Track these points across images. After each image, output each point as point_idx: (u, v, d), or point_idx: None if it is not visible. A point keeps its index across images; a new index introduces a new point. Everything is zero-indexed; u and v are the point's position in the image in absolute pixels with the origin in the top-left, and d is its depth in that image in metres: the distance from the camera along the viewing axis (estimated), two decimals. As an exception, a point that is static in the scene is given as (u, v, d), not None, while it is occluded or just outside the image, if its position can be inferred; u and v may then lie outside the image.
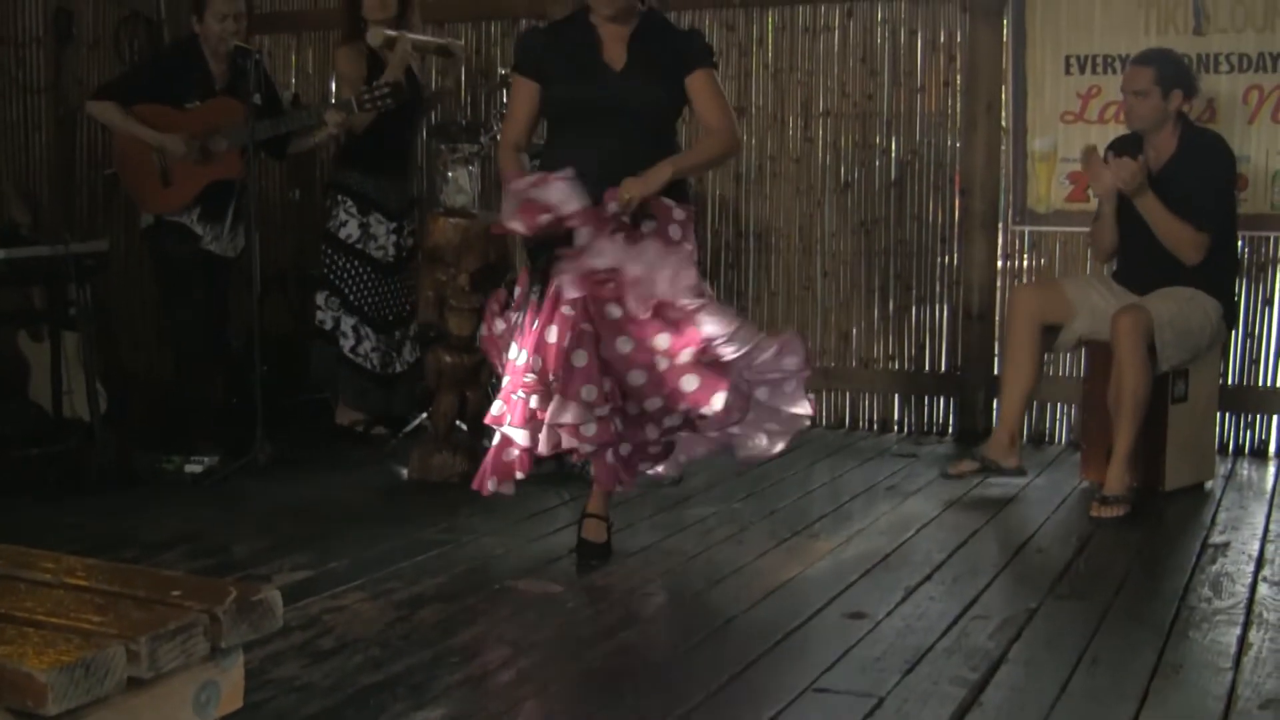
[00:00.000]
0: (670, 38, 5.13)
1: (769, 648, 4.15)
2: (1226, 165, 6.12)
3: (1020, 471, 6.23)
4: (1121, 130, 6.36)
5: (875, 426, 7.63)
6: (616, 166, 4.85)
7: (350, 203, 7.02)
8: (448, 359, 6.36)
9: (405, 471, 6.44)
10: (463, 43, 7.80)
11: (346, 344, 7.06)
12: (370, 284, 7.06)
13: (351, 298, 7.04)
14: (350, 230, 7.03)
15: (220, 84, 6.72)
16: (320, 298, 7.12)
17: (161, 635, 1.92)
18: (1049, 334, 6.24)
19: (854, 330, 7.61)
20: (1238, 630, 4.35)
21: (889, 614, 4.49)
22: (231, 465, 6.35)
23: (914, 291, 7.52)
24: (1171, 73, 6.04)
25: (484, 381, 6.48)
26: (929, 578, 4.90)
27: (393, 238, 7.09)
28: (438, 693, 3.82)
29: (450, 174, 6.42)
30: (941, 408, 7.53)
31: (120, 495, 6.08)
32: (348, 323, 7.05)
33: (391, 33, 6.83)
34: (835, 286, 7.65)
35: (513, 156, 5.09)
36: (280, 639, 4.15)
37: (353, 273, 7.03)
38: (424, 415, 6.85)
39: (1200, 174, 6.00)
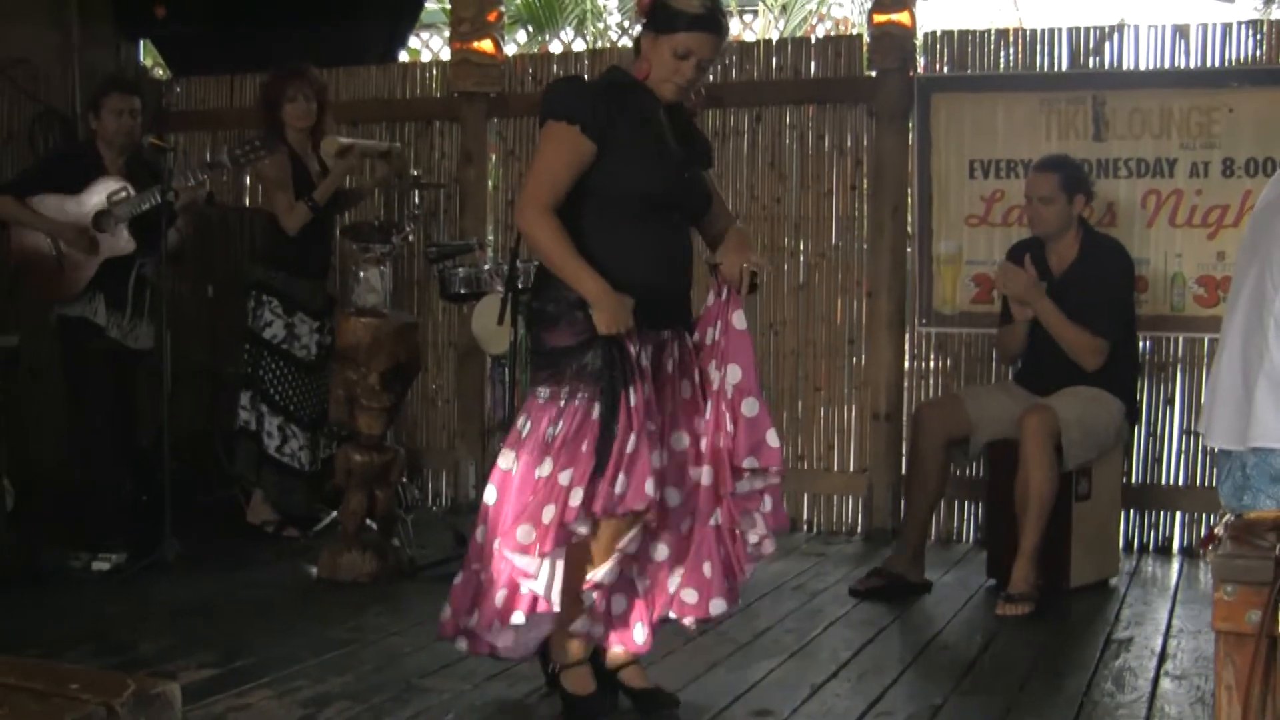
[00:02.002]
0: (692, 129, 4.62)
1: (675, 744, 4.18)
2: (1126, 271, 6.26)
3: (925, 586, 6.26)
4: (1025, 234, 6.48)
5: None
6: (674, 272, 4.43)
7: (276, 303, 7.05)
8: (357, 458, 6.35)
9: (314, 570, 6.41)
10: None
11: (272, 443, 7.05)
12: (295, 383, 7.08)
13: (277, 397, 7.05)
14: (276, 330, 7.05)
15: (116, 175, 6.74)
16: (244, 398, 7.12)
17: (58, 727, 1.93)
18: (954, 447, 6.32)
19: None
20: (1139, 725, 4.41)
21: (794, 711, 4.52)
22: (139, 563, 6.29)
23: (822, 392, 7.60)
24: (1074, 177, 6.20)
25: (394, 480, 6.48)
26: (835, 675, 4.93)
27: (315, 336, 7.12)
28: (342, 791, 3.81)
29: (362, 273, 6.44)
30: (850, 507, 7.59)
31: (26, 592, 6.01)
32: (273, 422, 7.05)
33: (345, 140, 6.91)
34: (745, 386, 7.68)
35: (552, 223, 4.24)
36: (184, 737, 4.12)
37: (278, 372, 7.05)
38: (334, 514, 6.84)
39: (1100, 281, 6.13)
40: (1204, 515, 6.95)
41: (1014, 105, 7.10)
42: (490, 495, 4.44)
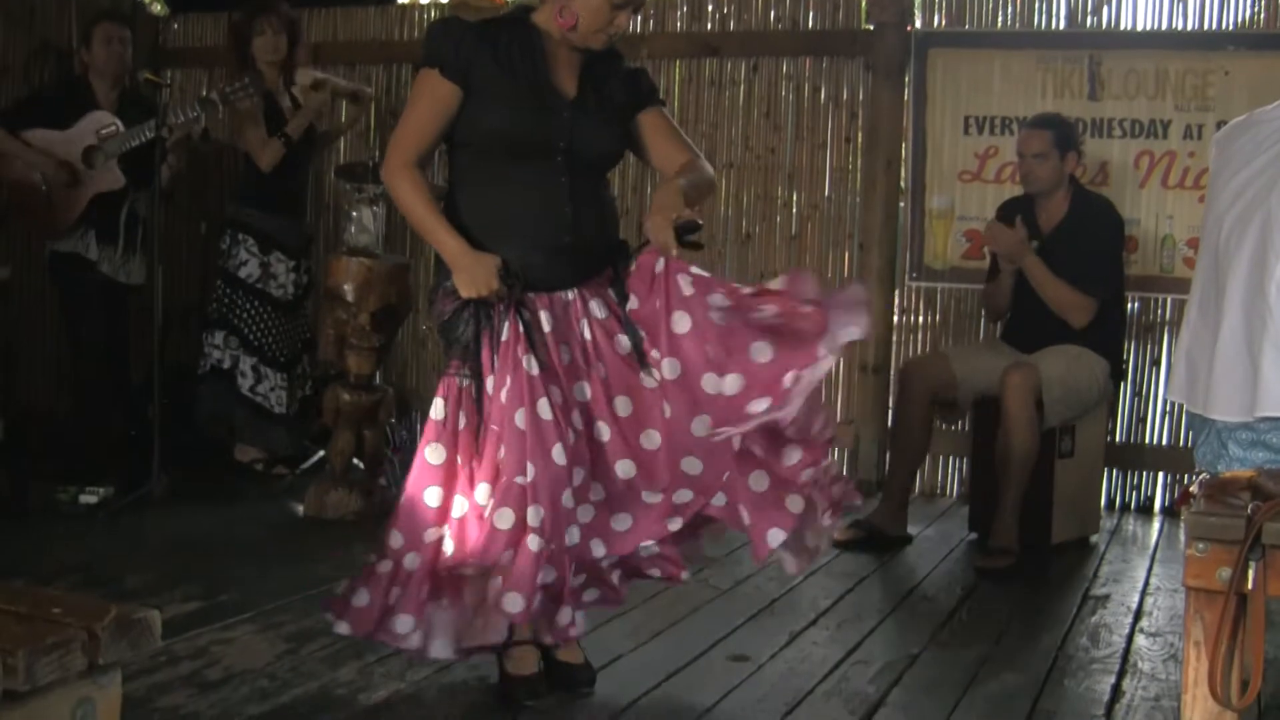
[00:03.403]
0: (621, 72, 4.17)
1: (652, 687, 4.21)
2: (1115, 230, 6.27)
3: (906, 539, 6.30)
4: (1018, 191, 6.50)
5: (770, 475, 7.68)
6: (560, 224, 3.98)
7: (251, 241, 7.02)
8: (346, 397, 6.38)
9: (300, 508, 6.45)
10: (373, 86, 7.87)
11: (245, 383, 7.04)
12: (270, 323, 7.05)
13: (252, 337, 7.03)
14: (251, 269, 7.02)
15: (108, 110, 6.74)
16: (218, 337, 7.08)
17: (39, 649, 1.95)
18: (940, 404, 6.35)
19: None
20: (1112, 679, 4.46)
21: (772, 657, 4.56)
22: (126, 497, 6.32)
23: (812, 343, 7.60)
24: (1067, 135, 6.21)
25: (382, 420, 6.51)
26: (814, 623, 4.98)
27: (292, 276, 7.10)
28: (322, 724, 3.86)
29: (355, 214, 6.45)
30: (835, 459, 7.62)
31: (13, 524, 6.03)
32: (247, 362, 7.03)
33: (319, 75, 6.90)
34: (735, 336, 7.70)
35: (412, 176, 3.96)
36: (168, 669, 4.17)
37: (253, 312, 7.02)
38: (321, 453, 6.86)
39: (1089, 239, 6.14)
40: (1186, 476, 6.97)
41: (1010, 62, 7.10)
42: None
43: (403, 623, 3.96)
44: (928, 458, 6.97)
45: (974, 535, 6.34)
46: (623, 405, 4.04)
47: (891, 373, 7.32)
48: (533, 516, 3.80)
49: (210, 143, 7.54)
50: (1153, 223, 6.88)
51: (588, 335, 4.02)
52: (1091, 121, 6.88)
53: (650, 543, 4.10)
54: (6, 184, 6.86)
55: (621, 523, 4.08)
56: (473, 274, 3.88)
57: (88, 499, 6.35)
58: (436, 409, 3.97)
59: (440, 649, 4.00)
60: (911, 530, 6.34)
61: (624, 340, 4.04)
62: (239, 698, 4.01)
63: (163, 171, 6.55)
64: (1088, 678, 4.48)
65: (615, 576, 4.18)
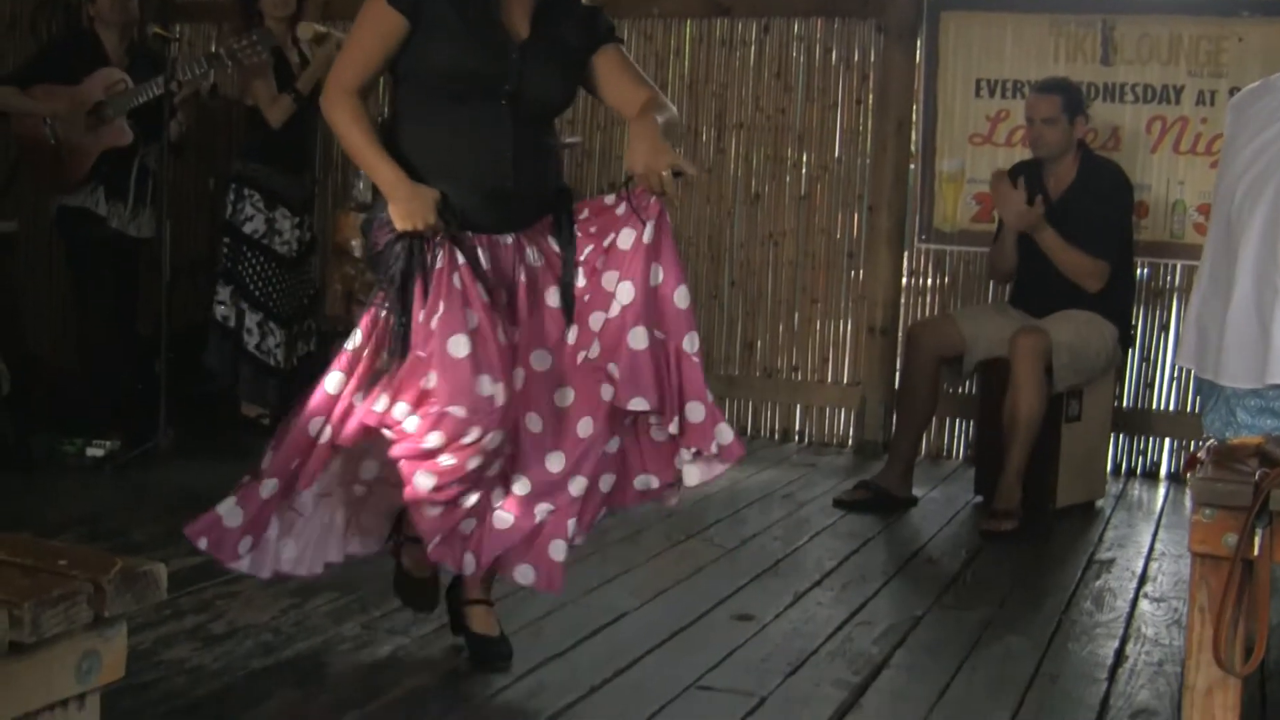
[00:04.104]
0: (576, 12, 4.00)
1: (656, 645, 4.22)
2: (1125, 194, 6.25)
3: (911, 501, 6.30)
4: (1029, 155, 6.47)
5: (776, 436, 7.71)
6: (500, 168, 3.83)
7: (257, 197, 6.98)
8: (354, 353, 6.36)
9: (307, 463, 6.44)
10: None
11: (251, 340, 7.00)
12: (275, 279, 7.01)
13: (257, 293, 6.99)
14: (256, 225, 6.98)
15: (117, 65, 6.71)
16: (223, 292, 7.04)
17: (45, 601, 1.96)
18: (947, 366, 6.35)
19: (759, 341, 7.69)
20: (1115, 643, 4.46)
21: (776, 617, 4.57)
22: (133, 451, 6.33)
23: (819, 305, 7.62)
24: (1076, 100, 6.19)
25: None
26: (818, 583, 4.99)
27: (295, 232, 7.06)
28: (327, 679, 3.87)
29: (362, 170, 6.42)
30: (841, 420, 7.64)
31: (19, 477, 6.05)
32: (253, 318, 7.00)
33: (321, 28, 6.86)
34: (742, 296, 7.74)
35: (352, 105, 3.81)
36: (173, 622, 4.19)
37: (258, 267, 6.99)
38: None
39: (1099, 203, 6.12)
40: (1193, 442, 6.97)
41: (1023, 26, 7.07)
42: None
43: (245, 544, 3.82)
44: (934, 420, 6.97)
45: (979, 498, 6.34)
46: (538, 360, 3.87)
47: (900, 335, 7.30)
48: (471, 437, 3.68)
49: (219, 99, 7.50)
50: (1164, 188, 6.86)
51: (522, 279, 3.87)
52: (1103, 86, 6.85)
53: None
54: (16, 139, 6.85)
55: (521, 486, 3.88)
56: (409, 207, 3.72)
57: (94, 452, 6.36)
58: (353, 339, 3.81)
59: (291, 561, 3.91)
60: (917, 492, 6.35)
61: (555, 293, 3.90)
62: (243, 651, 4.03)
63: (171, 127, 6.53)
64: (1091, 642, 4.48)
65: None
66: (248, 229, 6.95)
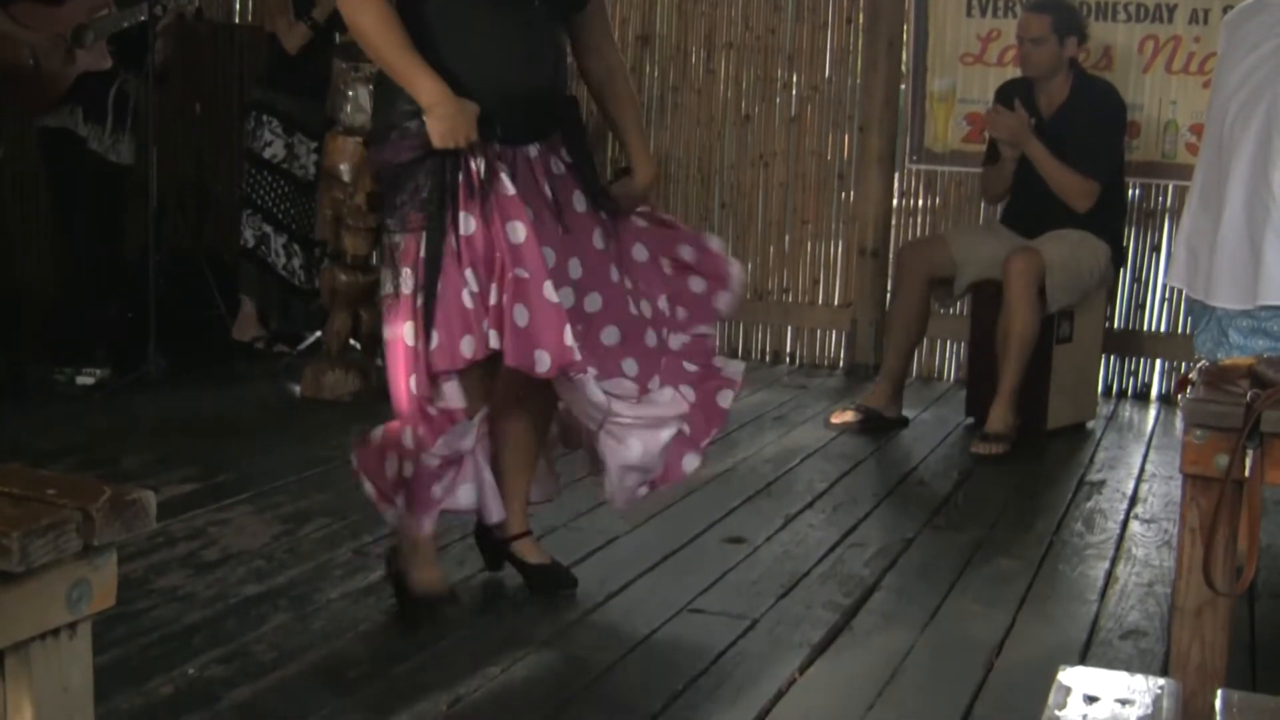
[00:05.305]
0: None
1: (648, 568, 4.25)
2: (1117, 114, 6.21)
3: (902, 422, 6.31)
4: (1019, 74, 6.44)
5: (767, 357, 7.72)
6: (537, 72, 3.65)
7: (276, 123, 7.09)
8: (343, 278, 6.36)
9: (298, 389, 6.45)
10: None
11: (279, 261, 7.14)
12: (295, 202, 7.14)
13: (280, 216, 7.12)
14: (276, 150, 7.10)
15: None
16: (245, 218, 7.19)
17: (34, 530, 1.94)
18: (938, 287, 6.33)
19: (749, 263, 7.67)
20: (1106, 564, 4.48)
21: (767, 540, 4.58)
22: (123, 378, 6.32)
23: (810, 226, 7.60)
24: (1066, 19, 6.12)
25: (378, 301, 6.48)
26: (810, 506, 5.00)
27: (313, 157, 7.09)
28: (319, 605, 3.88)
29: (350, 93, 6.38)
30: (833, 341, 7.64)
31: (10, 405, 6.03)
32: (278, 240, 7.12)
33: None
34: (732, 218, 7.71)
35: (380, 5, 3.52)
36: (165, 549, 4.19)
37: (280, 191, 7.11)
38: (319, 333, 6.86)
39: (1091, 122, 6.08)
40: (1184, 363, 6.98)
41: (1015, -57, 7.02)
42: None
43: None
44: (925, 341, 6.97)
45: (970, 420, 6.34)
46: (573, 269, 3.72)
47: (890, 256, 7.29)
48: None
49: (204, 21, 7.45)
50: (1156, 108, 6.81)
51: (548, 191, 3.71)
52: (1096, 5, 6.79)
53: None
54: (-2, 62, 6.80)
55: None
56: (454, 123, 3.47)
57: (85, 380, 6.36)
58: (406, 281, 3.60)
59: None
60: (908, 414, 6.36)
61: (580, 198, 3.78)
62: (235, 578, 4.04)
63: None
64: (1082, 563, 4.50)
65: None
66: (267, 154, 7.07)
